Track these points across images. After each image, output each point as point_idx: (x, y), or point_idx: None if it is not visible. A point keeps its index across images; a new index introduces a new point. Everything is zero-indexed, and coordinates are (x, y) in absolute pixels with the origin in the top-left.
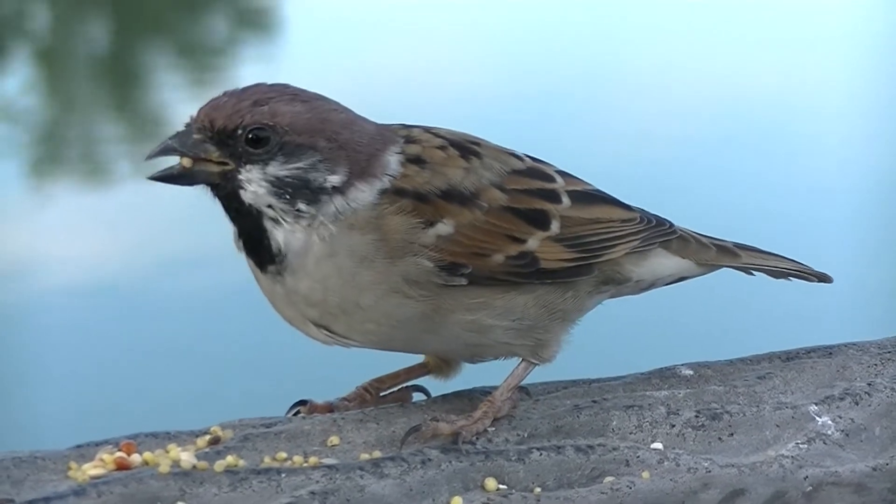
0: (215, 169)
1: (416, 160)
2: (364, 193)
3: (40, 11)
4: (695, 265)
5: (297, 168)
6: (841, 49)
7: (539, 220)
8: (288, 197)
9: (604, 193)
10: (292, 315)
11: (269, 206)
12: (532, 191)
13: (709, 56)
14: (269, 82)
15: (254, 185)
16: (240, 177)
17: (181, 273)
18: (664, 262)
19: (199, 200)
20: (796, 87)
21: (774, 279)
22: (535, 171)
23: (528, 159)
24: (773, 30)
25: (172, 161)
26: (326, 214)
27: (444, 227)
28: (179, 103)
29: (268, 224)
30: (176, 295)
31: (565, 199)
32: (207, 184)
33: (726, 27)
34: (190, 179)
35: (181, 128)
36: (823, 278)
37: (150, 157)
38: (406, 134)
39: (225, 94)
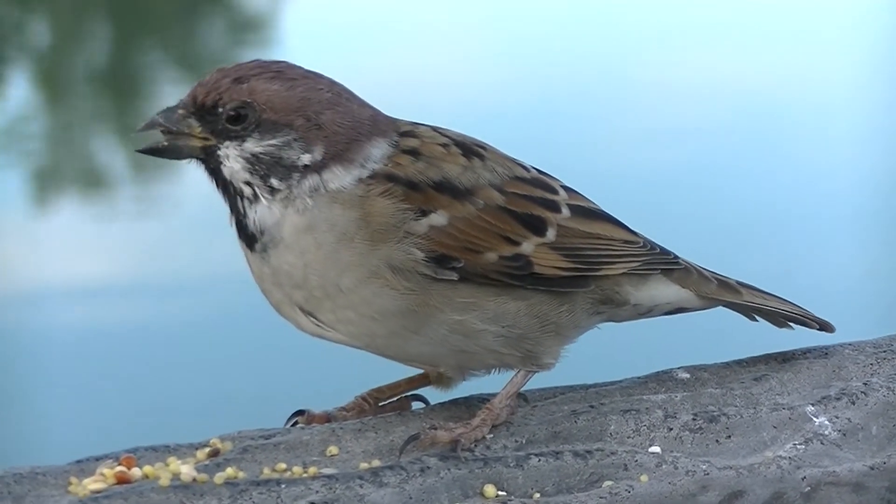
0: (198, 144)
1: (411, 152)
2: (339, 177)
3: (40, 24)
4: (695, 296)
5: (272, 145)
6: (847, 47)
7: (535, 226)
8: (262, 173)
9: (609, 214)
10: (280, 298)
11: (247, 183)
12: (532, 197)
13: (714, 56)
14: (271, 59)
15: (231, 160)
16: (219, 153)
17: (180, 286)
18: (664, 289)
19: (202, 215)
20: (804, 84)
21: (776, 327)
22: (539, 181)
23: (534, 171)
24: (780, 28)
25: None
26: (302, 189)
27: (438, 218)
28: None
29: (244, 202)
30: (175, 308)
31: (565, 211)
32: (193, 158)
33: (732, 26)
34: (175, 153)
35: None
36: (825, 326)
37: (139, 131)
38: (410, 129)
39: (217, 70)
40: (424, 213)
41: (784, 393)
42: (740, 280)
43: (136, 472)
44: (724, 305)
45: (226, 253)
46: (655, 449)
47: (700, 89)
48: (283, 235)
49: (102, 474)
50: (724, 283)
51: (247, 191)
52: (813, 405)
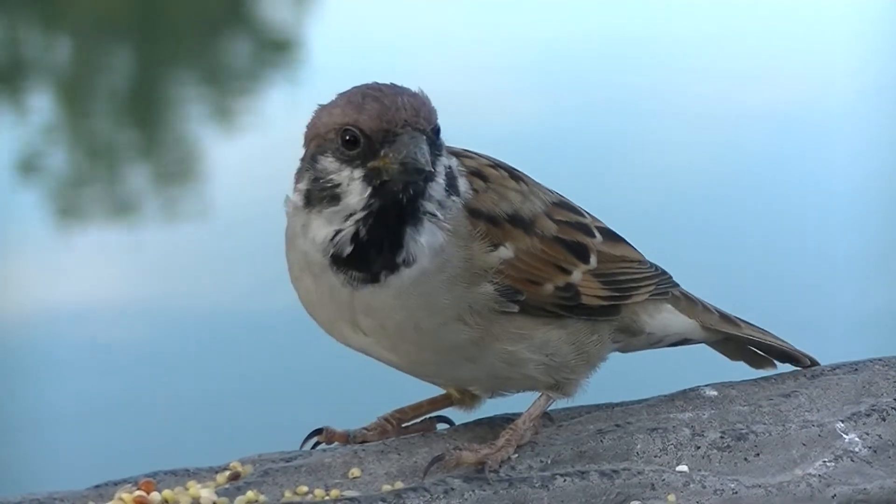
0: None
1: (478, 174)
2: (462, 186)
3: (62, 44)
4: (700, 328)
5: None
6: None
7: (581, 253)
8: (448, 187)
9: (620, 234)
10: (338, 318)
11: (441, 198)
12: (572, 223)
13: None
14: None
15: (439, 177)
16: (434, 170)
17: (201, 307)
18: (673, 318)
19: (226, 236)
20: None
21: (754, 368)
22: (566, 204)
23: (554, 192)
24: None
25: None
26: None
27: (506, 251)
28: (204, 134)
29: (423, 222)
30: (191, 332)
31: (598, 235)
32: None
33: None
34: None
35: (396, 135)
36: (814, 363)
37: (424, 167)
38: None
39: (388, 92)
40: (495, 247)
41: (813, 410)
42: (738, 316)
43: (155, 496)
44: (723, 339)
45: (247, 274)
46: (683, 468)
47: (729, 120)
48: (425, 262)
49: (121, 499)
50: (725, 316)
51: (431, 208)
52: (843, 422)
